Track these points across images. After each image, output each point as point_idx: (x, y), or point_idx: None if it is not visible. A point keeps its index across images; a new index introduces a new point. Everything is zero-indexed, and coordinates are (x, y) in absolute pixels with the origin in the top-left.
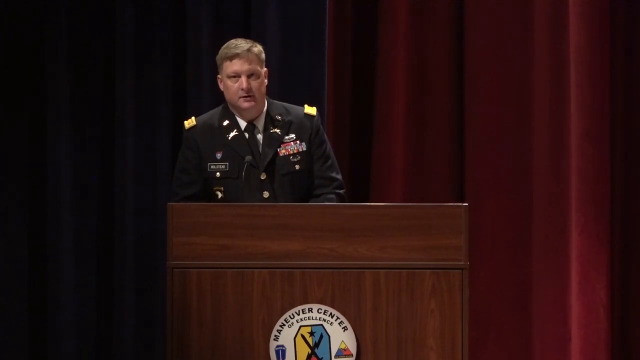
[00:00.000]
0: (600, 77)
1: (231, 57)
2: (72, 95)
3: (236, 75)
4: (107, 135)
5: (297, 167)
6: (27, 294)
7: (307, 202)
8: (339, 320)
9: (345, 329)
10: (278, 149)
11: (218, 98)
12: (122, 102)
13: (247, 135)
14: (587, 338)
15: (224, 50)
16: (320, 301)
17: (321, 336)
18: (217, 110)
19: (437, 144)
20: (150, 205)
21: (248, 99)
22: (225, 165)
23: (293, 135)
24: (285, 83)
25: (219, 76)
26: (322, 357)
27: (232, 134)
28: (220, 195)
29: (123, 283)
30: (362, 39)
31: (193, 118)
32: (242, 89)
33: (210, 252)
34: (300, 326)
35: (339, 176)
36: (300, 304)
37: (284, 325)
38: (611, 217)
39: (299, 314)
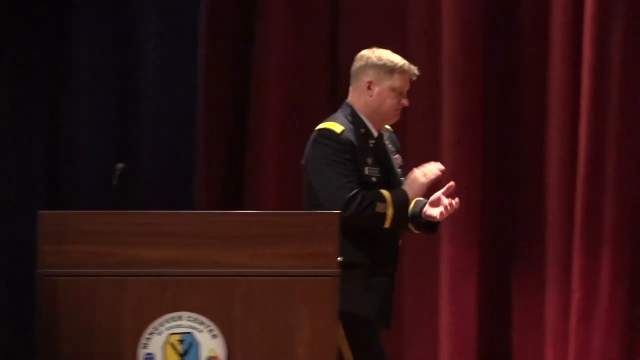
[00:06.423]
0: (473, 85)
1: (410, 75)
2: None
3: (400, 91)
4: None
5: (402, 178)
6: None
7: None
8: (209, 328)
9: (214, 336)
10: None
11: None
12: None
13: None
14: None
15: (395, 61)
16: (192, 309)
17: (190, 344)
18: (346, 117)
19: None
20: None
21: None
22: (378, 170)
23: (393, 148)
24: None
25: (371, 80)
26: None
27: (371, 142)
28: None
29: None
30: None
31: (334, 123)
32: (404, 106)
33: (83, 260)
34: (170, 334)
35: None
36: (172, 312)
37: (153, 333)
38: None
39: (168, 322)
